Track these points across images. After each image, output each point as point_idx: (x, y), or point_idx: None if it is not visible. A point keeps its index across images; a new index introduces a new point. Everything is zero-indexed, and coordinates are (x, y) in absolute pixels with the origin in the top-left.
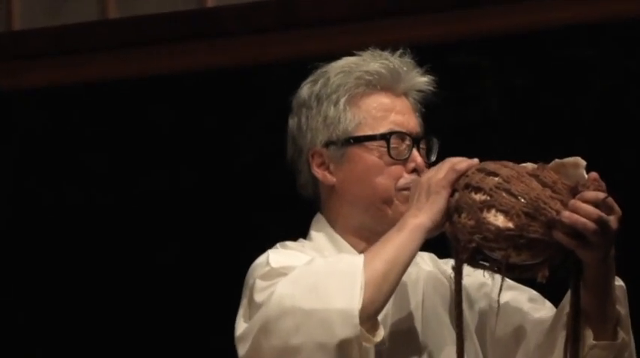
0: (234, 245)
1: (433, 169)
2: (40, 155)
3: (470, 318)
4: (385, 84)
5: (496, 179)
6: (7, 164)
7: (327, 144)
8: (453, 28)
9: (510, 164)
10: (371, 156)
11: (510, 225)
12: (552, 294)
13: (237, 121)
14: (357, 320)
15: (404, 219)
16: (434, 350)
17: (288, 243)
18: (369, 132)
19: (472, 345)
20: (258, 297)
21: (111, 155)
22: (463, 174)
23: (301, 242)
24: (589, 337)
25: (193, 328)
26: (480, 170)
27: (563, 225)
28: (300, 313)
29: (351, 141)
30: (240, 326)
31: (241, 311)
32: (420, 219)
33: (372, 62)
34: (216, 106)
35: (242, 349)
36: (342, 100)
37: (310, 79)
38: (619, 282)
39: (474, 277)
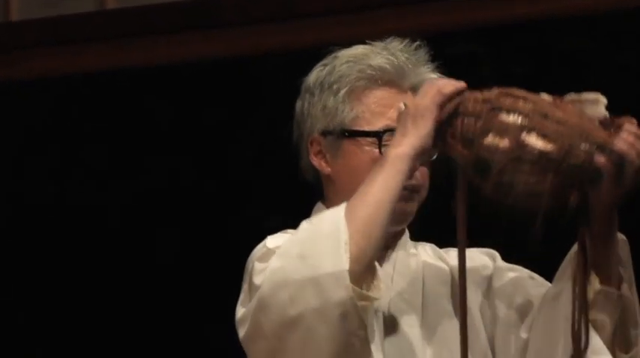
0: (234, 238)
1: (418, 95)
2: (38, 145)
3: (474, 301)
4: (388, 79)
5: (530, 104)
6: (4, 155)
7: (325, 133)
8: (450, 18)
9: (530, 94)
10: (364, 152)
11: (553, 148)
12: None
13: (234, 112)
14: (347, 281)
15: (386, 150)
16: (435, 338)
17: (288, 231)
18: (365, 128)
19: (474, 328)
20: (257, 279)
21: (108, 146)
22: (451, 97)
23: None
24: (595, 281)
25: (194, 323)
26: (506, 94)
27: (612, 153)
28: (292, 284)
29: (346, 134)
30: (240, 310)
31: (241, 297)
32: (402, 147)
33: (378, 56)
34: (213, 97)
35: (242, 330)
36: (343, 91)
37: (321, 62)
38: (621, 236)
39: (476, 261)
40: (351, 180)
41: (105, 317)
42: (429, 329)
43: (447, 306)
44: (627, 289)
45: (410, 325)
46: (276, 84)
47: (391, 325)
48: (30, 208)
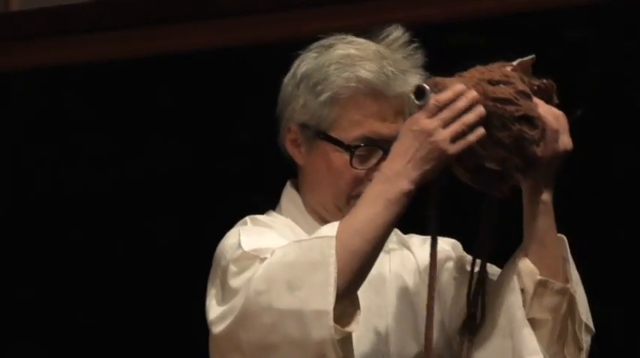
0: (230, 225)
1: (426, 114)
2: (37, 135)
3: (438, 289)
4: (374, 89)
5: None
6: (4, 144)
7: (302, 126)
8: (448, 9)
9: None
10: (336, 157)
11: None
12: None
13: (232, 101)
14: (330, 322)
15: (389, 181)
16: (396, 325)
17: (259, 217)
18: (341, 135)
19: (438, 316)
20: (233, 283)
21: (107, 134)
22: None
23: (271, 215)
24: (535, 271)
25: (193, 309)
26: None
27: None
28: (275, 312)
29: (321, 136)
30: (214, 308)
31: (213, 292)
32: (409, 184)
33: (368, 63)
34: (212, 86)
35: (216, 330)
36: (325, 95)
37: (315, 49)
38: (560, 235)
39: (440, 251)
40: (322, 177)
41: (104, 305)
42: (394, 318)
43: (413, 297)
44: (571, 287)
45: (378, 315)
46: (273, 74)
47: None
48: (30, 196)
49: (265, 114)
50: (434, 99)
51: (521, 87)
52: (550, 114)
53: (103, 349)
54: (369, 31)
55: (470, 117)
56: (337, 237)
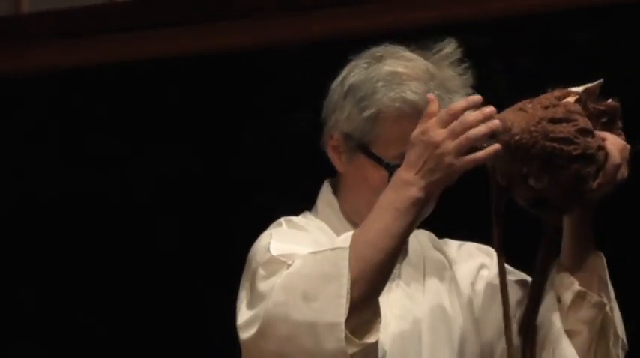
0: (238, 227)
1: (438, 124)
2: (47, 136)
3: (471, 301)
4: (418, 110)
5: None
6: (15, 144)
7: (345, 136)
8: (454, 10)
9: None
10: (374, 173)
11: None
12: None
13: (242, 102)
14: (342, 334)
15: (400, 191)
16: (434, 335)
17: (294, 219)
18: (381, 152)
19: (471, 322)
20: (261, 286)
21: (118, 136)
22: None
23: (307, 217)
24: (574, 283)
25: (197, 311)
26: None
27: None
28: (291, 323)
29: (363, 150)
30: (243, 313)
31: (243, 294)
32: (421, 192)
33: (415, 83)
34: (221, 88)
35: (243, 335)
36: (369, 112)
37: (366, 60)
38: (598, 252)
39: (472, 259)
40: (360, 186)
41: (107, 307)
42: (428, 326)
43: (446, 302)
44: (607, 303)
45: (412, 322)
46: (284, 75)
47: (395, 318)
48: (39, 196)
49: (274, 115)
50: (447, 109)
51: (583, 123)
52: (616, 146)
53: (105, 350)
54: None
55: (478, 131)
56: (350, 248)
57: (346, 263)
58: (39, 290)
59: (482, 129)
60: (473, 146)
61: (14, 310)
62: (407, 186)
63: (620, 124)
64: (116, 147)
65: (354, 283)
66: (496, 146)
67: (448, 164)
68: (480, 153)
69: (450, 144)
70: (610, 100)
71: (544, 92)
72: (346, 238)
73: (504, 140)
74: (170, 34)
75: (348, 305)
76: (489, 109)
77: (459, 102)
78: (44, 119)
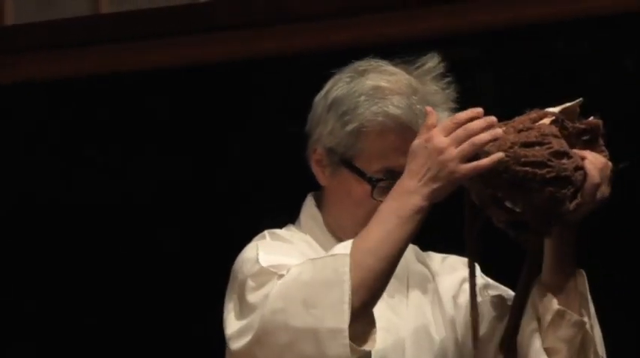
0: (225, 235)
1: (441, 132)
2: (32, 148)
3: (453, 314)
4: (401, 124)
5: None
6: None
7: (328, 150)
8: (448, 22)
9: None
10: (357, 187)
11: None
12: None
13: (229, 114)
14: (345, 340)
15: (402, 199)
16: (417, 348)
17: (278, 232)
18: (364, 166)
19: (453, 335)
20: (251, 298)
21: (102, 148)
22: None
23: (290, 229)
24: (553, 302)
25: (194, 320)
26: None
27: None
28: (292, 330)
29: (346, 164)
30: (233, 323)
31: (231, 306)
32: (422, 200)
33: (397, 97)
34: (208, 99)
35: (234, 346)
36: (352, 126)
37: (348, 74)
38: (580, 270)
39: (454, 272)
40: (343, 200)
41: (106, 315)
42: (411, 337)
43: (429, 315)
44: (587, 321)
45: (396, 333)
46: (269, 87)
47: (381, 328)
48: (29, 209)
49: (263, 127)
50: (452, 118)
51: (557, 146)
52: (595, 165)
53: (105, 351)
54: (397, 54)
55: (481, 138)
56: (351, 255)
57: (347, 269)
58: (39, 299)
59: (486, 136)
60: (475, 154)
61: (14, 310)
62: (409, 194)
63: (601, 142)
64: (102, 158)
65: (354, 291)
66: (499, 154)
67: (451, 170)
68: (484, 161)
69: (454, 151)
70: (592, 118)
71: (531, 105)
72: (346, 245)
73: None
74: (154, 46)
75: (349, 312)
76: (491, 118)
77: (464, 112)
78: (26, 130)
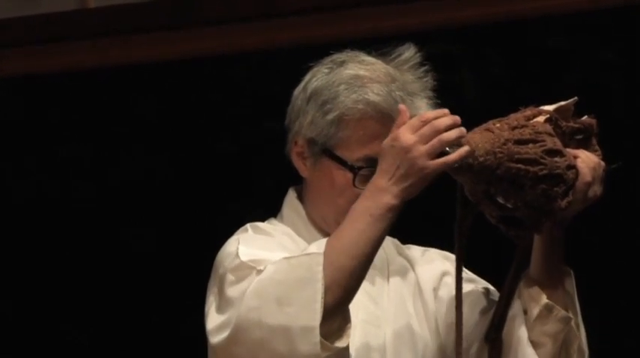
0: (211, 233)
1: (408, 130)
2: (16, 144)
3: (434, 306)
4: (381, 112)
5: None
6: None
7: (309, 141)
8: (429, 18)
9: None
10: (339, 176)
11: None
12: None
13: (216, 108)
14: (317, 338)
15: (374, 198)
16: (397, 339)
17: (260, 225)
18: (345, 155)
19: (434, 327)
20: (230, 292)
21: (87, 143)
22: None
23: (272, 222)
24: (542, 296)
25: (170, 316)
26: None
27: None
28: (265, 327)
29: (327, 154)
30: (212, 316)
31: (211, 299)
32: (394, 199)
33: (377, 86)
34: (194, 94)
35: (213, 340)
36: (333, 115)
37: (327, 65)
38: (567, 268)
39: (435, 265)
40: (325, 190)
41: (84, 314)
42: (391, 329)
43: (410, 308)
44: (574, 318)
45: (376, 325)
46: (256, 81)
47: (362, 320)
48: (12, 206)
49: (247, 122)
50: (418, 117)
51: (550, 144)
52: (587, 164)
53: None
54: (381, 48)
55: (449, 135)
56: (325, 254)
57: (320, 268)
58: (14, 301)
59: (453, 133)
60: (442, 151)
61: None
62: (381, 192)
63: (595, 141)
64: (87, 153)
65: (327, 289)
66: (466, 148)
67: (420, 167)
68: (452, 156)
69: (422, 148)
70: (585, 117)
71: (515, 99)
72: (320, 244)
73: (468, 163)
74: (140, 40)
75: (322, 310)
76: (456, 117)
77: (430, 112)
78: (11, 124)
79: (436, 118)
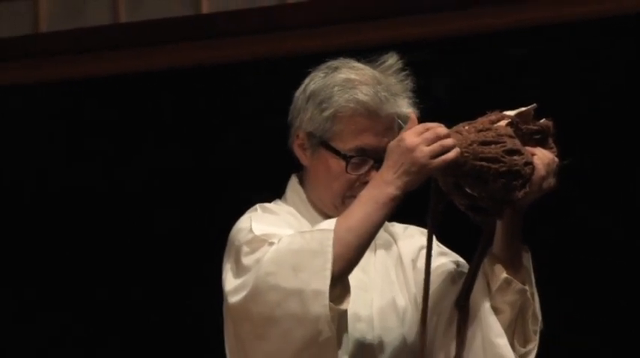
0: (226, 216)
1: (413, 134)
2: (59, 138)
3: (412, 276)
4: (369, 109)
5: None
6: (32, 146)
7: (309, 134)
8: (407, 31)
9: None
10: (334, 164)
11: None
12: None
13: (229, 107)
14: (326, 301)
15: (380, 188)
16: (383, 301)
17: (267, 205)
18: (339, 146)
19: (412, 294)
20: (246, 261)
21: (120, 138)
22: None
23: (277, 203)
24: (502, 271)
25: (188, 296)
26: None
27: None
28: (282, 290)
29: (324, 145)
30: (230, 281)
31: (228, 266)
32: (396, 190)
33: (365, 87)
34: (211, 96)
35: (231, 300)
36: (328, 112)
37: (324, 70)
38: (525, 247)
39: (414, 240)
40: (322, 176)
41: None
42: (377, 293)
43: (395, 282)
44: (529, 289)
45: (364, 289)
46: (264, 87)
47: (353, 286)
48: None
49: (252, 120)
50: (422, 124)
51: (510, 144)
52: (543, 160)
53: (97, 343)
54: (369, 56)
55: (448, 141)
56: (334, 231)
57: (330, 243)
58: (39, 288)
59: (450, 140)
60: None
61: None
62: (386, 184)
63: (551, 140)
64: (121, 147)
65: (335, 261)
66: (457, 150)
67: (422, 165)
68: (449, 154)
69: (426, 149)
70: (543, 120)
71: (484, 107)
72: (330, 222)
73: None
74: (164, 51)
75: (330, 277)
76: (448, 130)
77: (433, 123)
78: (56, 122)
79: (437, 127)
